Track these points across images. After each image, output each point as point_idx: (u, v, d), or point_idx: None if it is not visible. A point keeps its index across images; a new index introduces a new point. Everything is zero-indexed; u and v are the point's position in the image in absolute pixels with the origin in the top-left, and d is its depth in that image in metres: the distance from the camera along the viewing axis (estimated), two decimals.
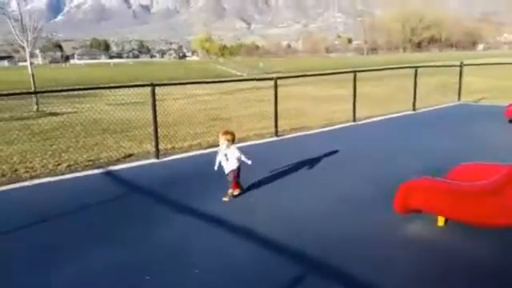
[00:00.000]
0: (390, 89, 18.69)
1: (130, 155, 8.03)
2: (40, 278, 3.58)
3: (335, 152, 7.75)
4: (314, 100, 16.85)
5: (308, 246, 4.00)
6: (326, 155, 7.51)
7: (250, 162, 5.34)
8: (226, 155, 5.24)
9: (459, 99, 14.77)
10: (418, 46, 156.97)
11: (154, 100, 7.61)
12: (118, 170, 6.95)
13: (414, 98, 12.96)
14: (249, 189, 5.69)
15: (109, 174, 6.79)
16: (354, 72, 11.16)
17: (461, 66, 14.80)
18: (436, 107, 13.65)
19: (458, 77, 14.86)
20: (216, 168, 5.33)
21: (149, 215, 4.89)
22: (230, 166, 5.26)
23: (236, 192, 5.39)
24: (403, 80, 16.35)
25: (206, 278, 3.53)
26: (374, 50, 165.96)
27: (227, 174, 5.30)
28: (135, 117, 11.08)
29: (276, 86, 9.40)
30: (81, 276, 3.60)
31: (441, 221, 4.32)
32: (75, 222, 4.76)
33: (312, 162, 7.06)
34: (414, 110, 12.96)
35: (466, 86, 15.20)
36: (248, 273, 3.60)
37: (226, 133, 5.25)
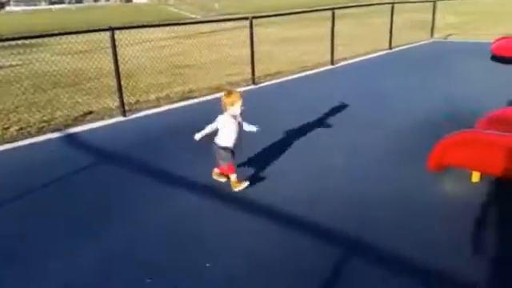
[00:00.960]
0: (354, 28, 17.91)
1: (90, 112, 7.01)
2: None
3: (326, 100, 7.00)
4: (280, 42, 15.84)
5: (332, 219, 3.38)
6: (317, 104, 6.77)
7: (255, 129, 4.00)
8: (240, 123, 3.89)
9: (432, 36, 14.27)
10: None
11: (115, 46, 6.55)
12: (80, 132, 5.96)
13: (390, 36, 12.31)
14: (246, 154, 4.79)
15: (70, 137, 5.78)
16: (333, 9, 10.23)
17: (434, 0, 14.18)
18: (411, 45, 13.07)
19: (430, 14, 14.29)
20: (198, 137, 3.90)
21: (130, 191, 4.04)
22: (238, 137, 3.93)
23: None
24: (362, 19, 15.53)
25: (218, 270, 2.82)
26: None
27: (233, 148, 3.89)
28: (86, 67, 9.86)
29: (251, 27, 8.40)
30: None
31: (475, 177, 3.77)
32: (39, 207, 3.84)
33: (307, 114, 6.23)
34: (391, 48, 12.34)
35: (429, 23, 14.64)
36: (267, 257, 2.93)
37: (240, 93, 3.85)
